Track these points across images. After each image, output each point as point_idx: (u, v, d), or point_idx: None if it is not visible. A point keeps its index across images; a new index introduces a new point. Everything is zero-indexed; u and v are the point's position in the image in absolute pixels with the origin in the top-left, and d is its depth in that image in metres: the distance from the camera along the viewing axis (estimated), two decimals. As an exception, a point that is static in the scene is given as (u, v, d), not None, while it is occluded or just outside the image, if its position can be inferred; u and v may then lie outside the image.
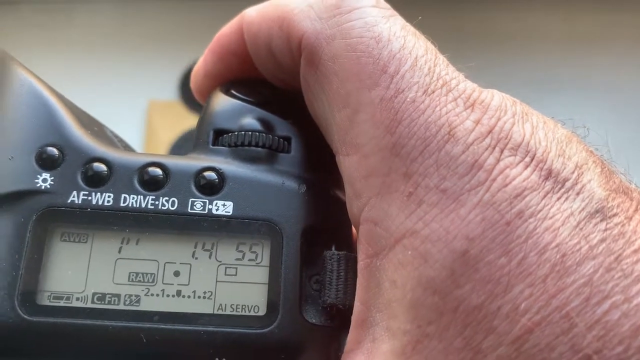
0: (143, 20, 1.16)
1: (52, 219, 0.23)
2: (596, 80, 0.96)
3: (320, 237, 0.25)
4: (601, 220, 0.20)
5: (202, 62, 0.30)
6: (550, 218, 0.20)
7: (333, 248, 0.25)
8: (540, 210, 0.20)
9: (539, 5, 1.07)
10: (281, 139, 0.27)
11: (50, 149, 0.24)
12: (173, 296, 0.23)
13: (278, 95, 0.28)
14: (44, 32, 1.14)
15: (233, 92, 0.28)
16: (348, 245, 0.26)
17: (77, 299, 0.23)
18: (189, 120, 1.02)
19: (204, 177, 0.25)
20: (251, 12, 0.27)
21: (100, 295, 0.23)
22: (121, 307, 0.23)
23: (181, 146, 0.97)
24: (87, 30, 1.16)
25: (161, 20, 1.16)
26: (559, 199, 0.20)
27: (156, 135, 1.02)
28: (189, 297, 0.23)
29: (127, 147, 0.28)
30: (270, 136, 0.26)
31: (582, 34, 1.05)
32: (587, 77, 0.94)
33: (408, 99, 0.22)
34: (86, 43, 1.14)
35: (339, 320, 0.24)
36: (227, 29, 0.28)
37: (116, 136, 0.28)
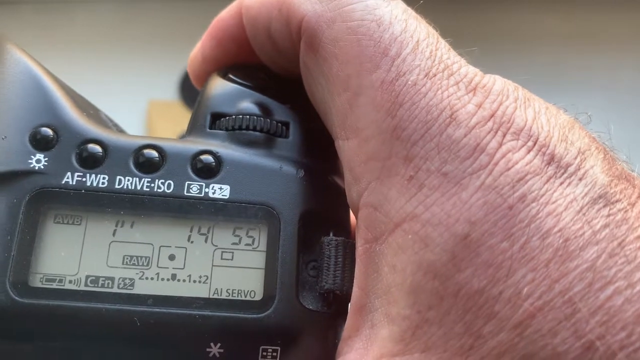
0: (143, 20, 1.16)
1: (46, 200, 0.23)
2: (596, 80, 0.96)
3: (317, 223, 0.25)
4: (604, 206, 0.19)
5: (200, 47, 0.29)
6: (553, 203, 0.19)
7: (331, 234, 0.24)
8: (542, 195, 0.19)
9: (539, 4, 1.07)
10: (279, 124, 0.26)
11: (44, 129, 0.24)
12: (168, 280, 0.23)
13: (276, 81, 0.28)
14: (45, 32, 1.14)
15: (231, 76, 0.28)
16: (346, 232, 0.25)
17: (70, 281, 0.22)
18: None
19: (200, 160, 0.24)
20: None
21: (93, 278, 0.23)
22: (115, 290, 0.22)
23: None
24: (88, 30, 1.16)
25: (161, 20, 1.16)
26: (561, 183, 0.20)
27: (156, 134, 1.02)
28: (184, 281, 0.23)
29: (121, 132, 0.28)
30: (269, 120, 0.26)
31: (582, 33, 1.05)
32: (587, 76, 0.94)
33: (409, 82, 0.22)
34: (86, 43, 1.14)
35: (336, 306, 0.24)
36: (226, 13, 0.28)
37: (111, 120, 0.28)
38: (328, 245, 0.24)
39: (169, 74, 1.10)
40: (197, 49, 0.30)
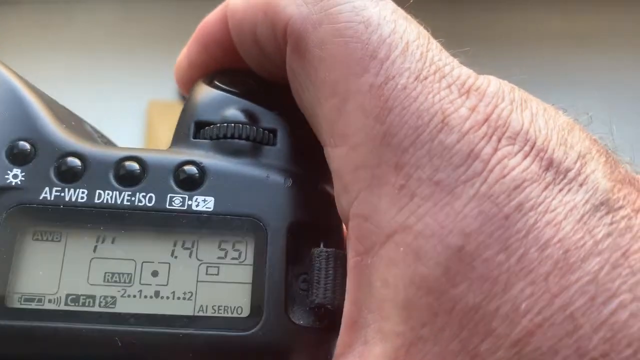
0: (143, 20, 1.16)
1: (23, 217, 0.22)
2: (596, 80, 0.95)
3: (307, 234, 0.24)
4: (606, 214, 0.18)
5: (186, 52, 0.29)
6: (552, 211, 0.18)
7: (321, 245, 0.23)
8: (541, 203, 0.18)
9: (538, 4, 1.06)
10: (266, 131, 0.25)
11: (21, 143, 0.23)
12: (151, 297, 0.22)
13: (264, 86, 0.27)
14: (44, 32, 1.13)
15: (216, 82, 0.27)
16: (337, 243, 0.24)
17: (50, 300, 0.22)
18: (189, 120, 1.02)
19: (183, 171, 0.23)
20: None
21: (74, 296, 0.22)
22: (96, 309, 0.22)
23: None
24: (88, 30, 1.16)
25: (161, 20, 1.15)
26: (560, 190, 0.19)
27: (156, 135, 1.02)
28: (167, 298, 0.22)
29: (107, 143, 0.27)
30: (255, 128, 0.25)
31: (581, 33, 1.04)
32: (587, 76, 0.93)
33: (399, 86, 0.21)
34: (86, 43, 1.13)
35: (327, 321, 0.23)
36: (211, 17, 0.27)
37: (97, 131, 0.27)
38: (318, 257, 0.23)
39: (169, 74, 1.09)
40: (183, 55, 0.29)
